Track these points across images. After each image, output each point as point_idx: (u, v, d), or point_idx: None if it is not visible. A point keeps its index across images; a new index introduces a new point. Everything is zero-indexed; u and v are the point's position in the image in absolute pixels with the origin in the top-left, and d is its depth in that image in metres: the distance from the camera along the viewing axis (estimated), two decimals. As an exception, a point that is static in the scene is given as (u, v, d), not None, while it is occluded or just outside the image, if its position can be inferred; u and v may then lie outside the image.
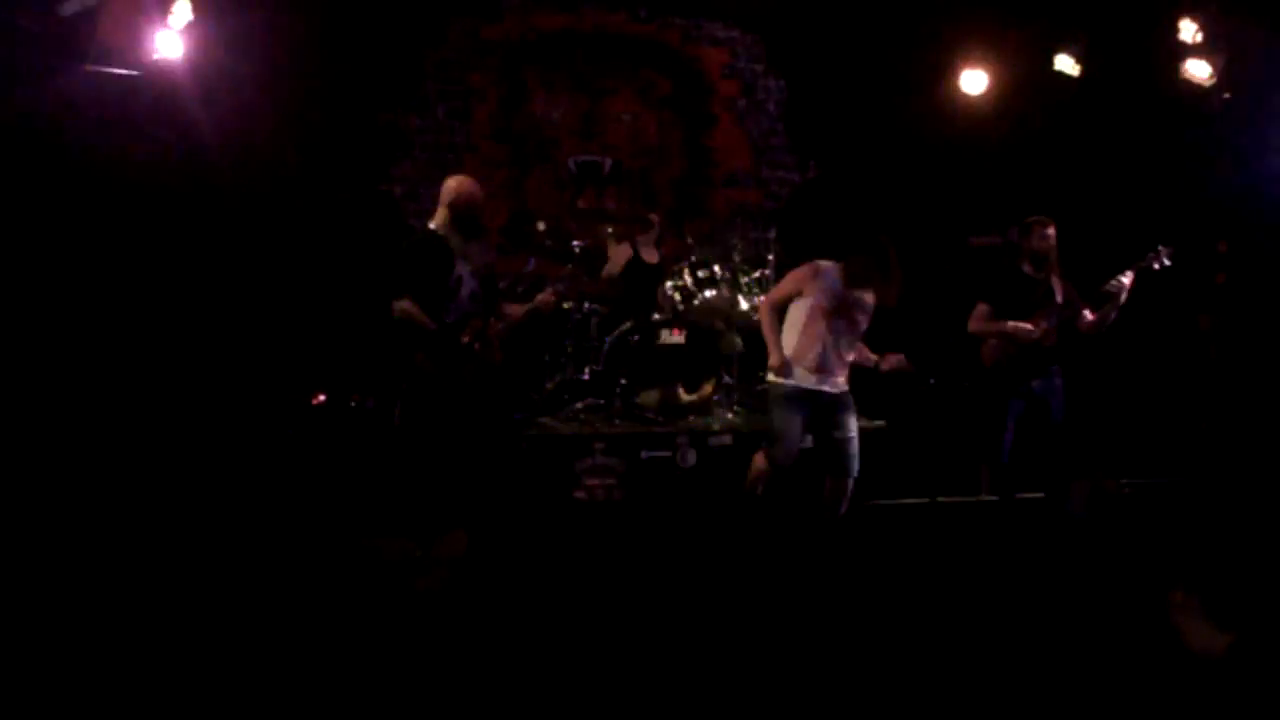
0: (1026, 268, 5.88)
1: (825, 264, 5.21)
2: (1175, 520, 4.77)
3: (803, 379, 5.19)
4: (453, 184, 5.16)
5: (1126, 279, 5.78)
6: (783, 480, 5.34)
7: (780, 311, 5.28)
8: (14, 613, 4.18)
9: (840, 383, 5.24)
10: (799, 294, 5.19)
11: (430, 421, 5.04)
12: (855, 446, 5.26)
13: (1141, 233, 6.33)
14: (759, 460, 5.34)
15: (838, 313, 5.14)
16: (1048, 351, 5.83)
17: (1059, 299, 5.88)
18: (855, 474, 5.27)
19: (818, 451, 5.51)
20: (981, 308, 5.88)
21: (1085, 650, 3.76)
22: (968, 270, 6.98)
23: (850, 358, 5.27)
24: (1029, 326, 5.76)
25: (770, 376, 5.26)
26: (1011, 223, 6.16)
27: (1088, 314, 5.85)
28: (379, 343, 6.11)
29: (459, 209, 5.10)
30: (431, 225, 5.14)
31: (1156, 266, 5.84)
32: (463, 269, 5.06)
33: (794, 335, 5.23)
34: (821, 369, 5.17)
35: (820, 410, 5.22)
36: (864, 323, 5.25)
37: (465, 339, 5.01)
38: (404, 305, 4.92)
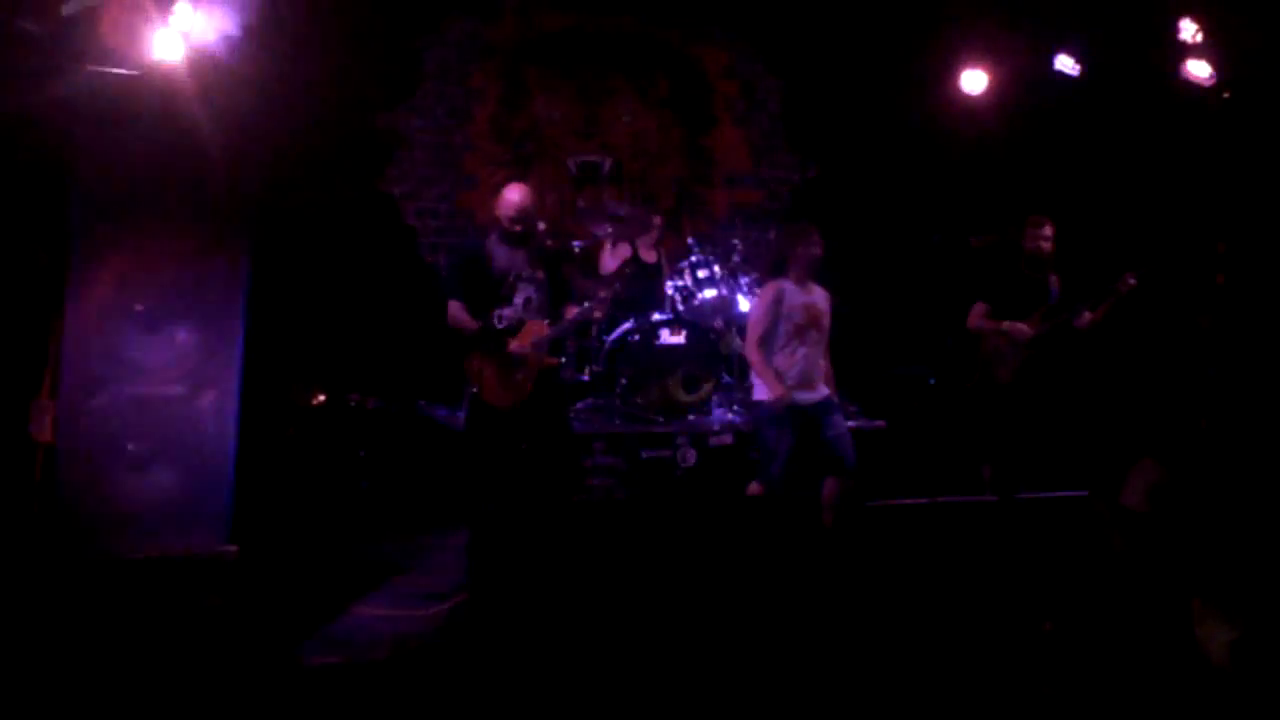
0: (1023, 267, 5.93)
1: (777, 283, 5.26)
2: (1176, 519, 4.76)
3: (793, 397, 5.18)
4: (503, 193, 5.36)
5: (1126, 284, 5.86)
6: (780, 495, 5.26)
7: (766, 345, 5.25)
8: (13, 611, 4.18)
9: (822, 389, 5.27)
10: (774, 321, 5.22)
11: (486, 424, 5.21)
12: (849, 440, 5.26)
13: (1141, 233, 6.33)
14: (753, 488, 5.26)
15: (808, 325, 5.22)
16: (1044, 351, 5.85)
17: (1055, 298, 5.92)
18: (853, 465, 5.25)
19: (815, 455, 5.48)
20: (979, 306, 5.93)
21: (1087, 652, 3.76)
22: (967, 270, 6.98)
23: (825, 365, 5.32)
24: (1024, 326, 5.81)
25: (762, 399, 5.23)
26: (1011, 222, 6.18)
27: (1087, 313, 5.87)
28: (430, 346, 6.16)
29: (505, 216, 5.28)
30: (492, 233, 5.37)
31: (1124, 290, 5.90)
32: (514, 275, 5.24)
33: (775, 359, 5.23)
34: (805, 383, 5.21)
35: (806, 421, 5.21)
36: (828, 325, 5.33)
37: (513, 345, 5.15)
38: (451, 309, 5.21)
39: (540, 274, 5.32)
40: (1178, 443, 6.20)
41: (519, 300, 5.24)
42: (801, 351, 5.20)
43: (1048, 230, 5.90)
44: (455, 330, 5.23)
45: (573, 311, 5.41)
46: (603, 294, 5.64)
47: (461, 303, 5.21)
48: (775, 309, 5.21)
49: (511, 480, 5.23)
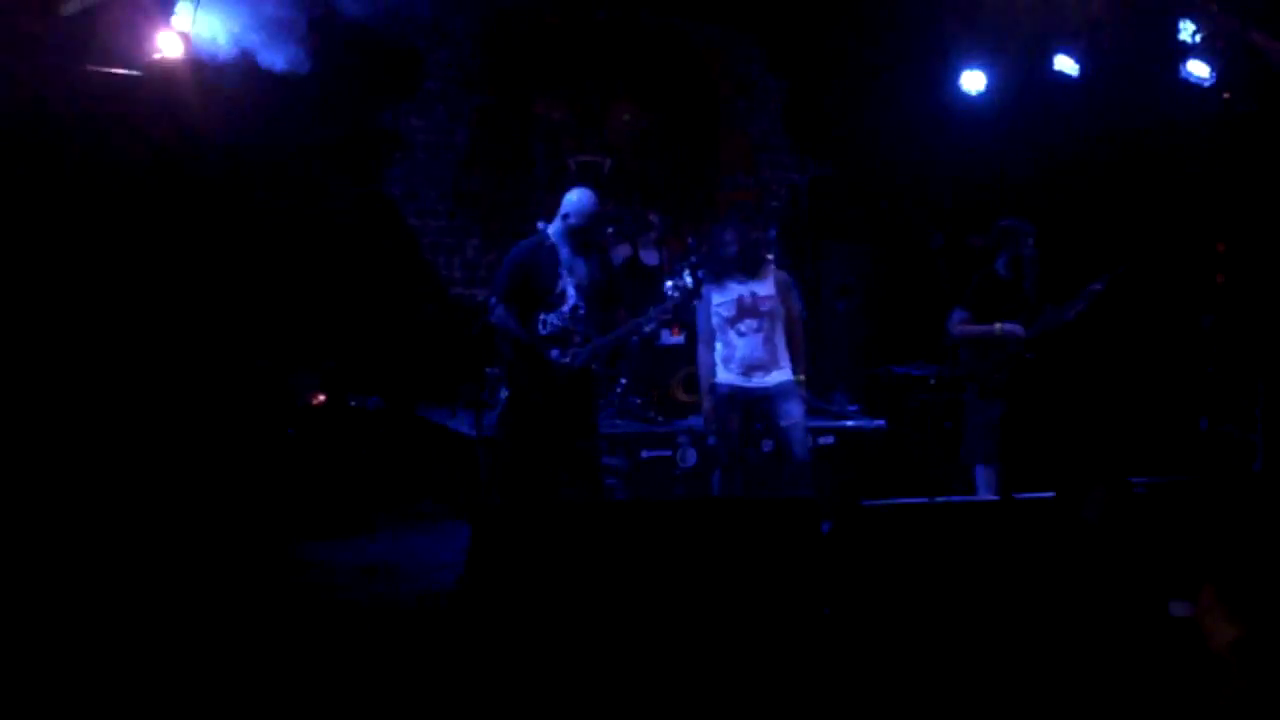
0: (1002, 271, 5.81)
1: (705, 287, 5.53)
2: (1181, 520, 4.77)
3: (732, 379, 5.41)
4: (573, 196, 5.09)
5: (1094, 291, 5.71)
6: (740, 481, 5.50)
7: (706, 342, 5.52)
8: (12, 613, 4.18)
9: (773, 376, 5.40)
10: (703, 319, 5.50)
11: (521, 430, 5.08)
12: (801, 432, 5.41)
13: (1140, 233, 6.32)
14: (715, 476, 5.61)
15: (741, 315, 5.38)
16: (1027, 354, 5.75)
17: (1032, 302, 5.79)
18: (806, 459, 5.42)
19: (774, 443, 5.73)
20: (959, 313, 5.81)
21: (1088, 654, 3.76)
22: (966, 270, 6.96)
23: (782, 348, 5.45)
24: (1015, 327, 5.68)
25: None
26: (990, 226, 6.09)
27: (1060, 319, 5.74)
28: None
29: (573, 222, 5.03)
30: (548, 230, 5.11)
31: (1094, 295, 5.70)
32: (568, 282, 5.04)
33: (718, 350, 5.48)
34: (748, 369, 5.39)
35: (754, 406, 5.42)
36: (776, 310, 5.44)
37: (554, 354, 5.02)
38: (498, 313, 5.02)
39: (594, 283, 5.13)
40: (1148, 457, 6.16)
41: (567, 309, 5.05)
42: (737, 340, 5.38)
43: (1029, 237, 5.79)
44: (500, 332, 5.07)
45: (622, 325, 5.24)
46: (653, 310, 5.49)
47: (512, 308, 5.01)
48: (702, 309, 5.51)
49: (536, 480, 5.11)
